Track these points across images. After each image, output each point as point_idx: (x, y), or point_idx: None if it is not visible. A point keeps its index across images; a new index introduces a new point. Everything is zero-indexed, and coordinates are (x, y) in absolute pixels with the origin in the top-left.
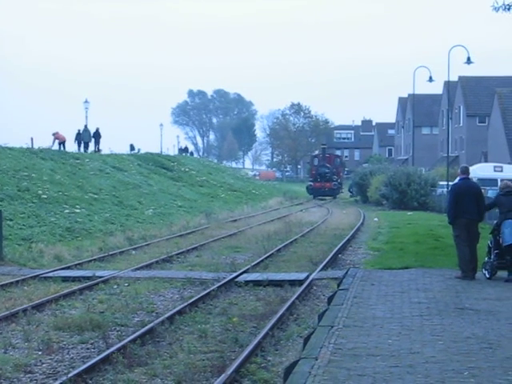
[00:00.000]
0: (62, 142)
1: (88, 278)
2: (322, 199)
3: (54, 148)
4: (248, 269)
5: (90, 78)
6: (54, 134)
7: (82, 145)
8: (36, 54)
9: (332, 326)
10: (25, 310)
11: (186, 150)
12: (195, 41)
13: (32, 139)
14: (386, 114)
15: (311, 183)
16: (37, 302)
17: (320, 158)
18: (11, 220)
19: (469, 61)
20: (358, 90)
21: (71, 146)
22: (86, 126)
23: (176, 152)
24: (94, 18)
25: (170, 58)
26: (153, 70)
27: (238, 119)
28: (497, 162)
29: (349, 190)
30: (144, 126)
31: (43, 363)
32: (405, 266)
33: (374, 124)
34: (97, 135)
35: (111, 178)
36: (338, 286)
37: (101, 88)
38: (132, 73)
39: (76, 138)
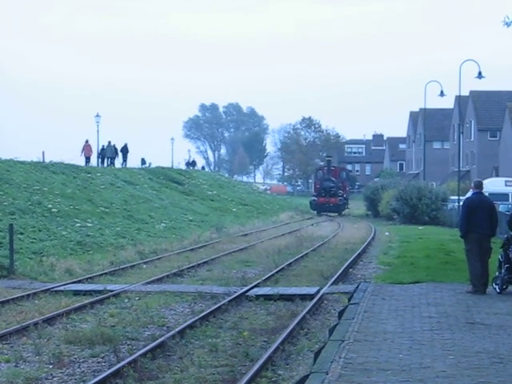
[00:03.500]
0: (88, 157)
1: (99, 292)
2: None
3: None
4: (259, 283)
5: (100, 92)
6: (86, 142)
7: (107, 160)
8: (46, 70)
9: (343, 341)
10: (36, 324)
11: (193, 163)
12: (206, 55)
13: (43, 153)
14: (397, 128)
15: (315, 198)
16: (48, 315)
17: (325, 170)
18: (22, 234)
19: (480, 75)
20: (369, 105)
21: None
22: (109, 142)
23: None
24: (103, 32)
25: (180, 73)
26: (164, 84)
27: (250, 133)
28: (508, 177)
29: None
30: (155, 140)
31: (54, 377)
32: (416, 280)
33: (385, 138)
34: (125, 150)
35: (122, 192)
36: (349, 300)
37: (112, 102)
38: (143, 87)
39: (100, 154)
